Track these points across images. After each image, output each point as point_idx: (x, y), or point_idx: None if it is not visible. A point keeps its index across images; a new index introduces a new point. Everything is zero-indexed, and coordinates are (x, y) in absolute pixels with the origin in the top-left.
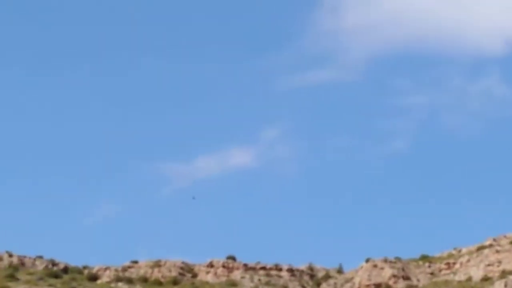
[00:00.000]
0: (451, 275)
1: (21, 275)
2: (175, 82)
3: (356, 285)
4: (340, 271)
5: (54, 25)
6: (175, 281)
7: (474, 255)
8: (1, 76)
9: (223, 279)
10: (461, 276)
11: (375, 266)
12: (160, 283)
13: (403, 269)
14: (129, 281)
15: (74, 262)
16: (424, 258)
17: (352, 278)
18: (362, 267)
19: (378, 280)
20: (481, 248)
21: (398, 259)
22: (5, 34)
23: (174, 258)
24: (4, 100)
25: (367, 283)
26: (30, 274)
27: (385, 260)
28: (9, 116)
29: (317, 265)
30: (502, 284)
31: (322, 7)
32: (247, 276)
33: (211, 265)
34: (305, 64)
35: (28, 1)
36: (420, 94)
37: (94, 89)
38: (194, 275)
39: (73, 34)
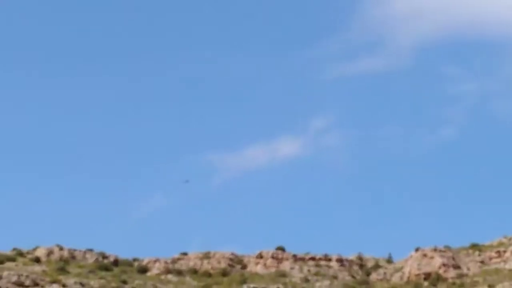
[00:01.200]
0: (502, 264)
1: (71, 268)
2: (224, 73)
3: (406, 274)
4: (389, 260)
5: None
6: (224, 273)
7: None
8: (54, 73)
9: (273, 270)
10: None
11: (424, 255)
12: (209, 275)
13: (453, 258)
14: (179, 273)
15: (124, 254)
16: (474, 246)
17: (401, 268)
18: (411, 256)
19: (427, 269)
20: None
21: (447, 248)
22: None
23: (224, 250)
24: (61, 97)
25: (417, 272)
26: (81, 267)
27: (435, 249)
28: (62, 113)
29: (367, 255)
30: None
31: None
32: (297, 266)
33: (260, 256)
34: (354, 52)
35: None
36: (471, 81)
37: (146, 83)
38: (244, 267)
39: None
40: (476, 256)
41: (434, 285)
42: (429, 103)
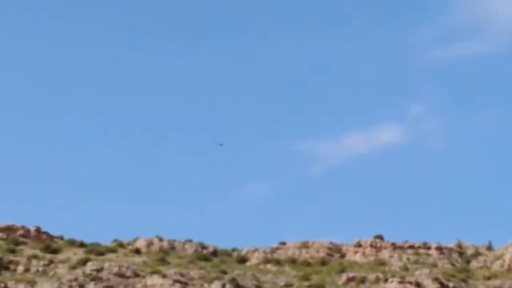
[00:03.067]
0: None
1: (171, 259)
2: (322, 60)
3: (507, 262)
4: (489, 248)
5: None
6: (323, 262)
7: None
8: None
9: (371, 258)
10: None
11: None
12: (308, 264)
13: None
14: (278, 262)
15: (223, 244)
16: None
17: (502, 255)
18: None
19: None
20: None
21: None
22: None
23: (322, 239)
24: (145, 90)
25: None
26: (180, 257)
27: None
28: (148, 106)
29: (466, 243)
30: None
31: None
32: (395, 255)
33: (359, 245)
34: (452, 36)
35: None
36: None
37: (244, 71)
38: (342, 255)
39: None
40: None
41: None
42: None
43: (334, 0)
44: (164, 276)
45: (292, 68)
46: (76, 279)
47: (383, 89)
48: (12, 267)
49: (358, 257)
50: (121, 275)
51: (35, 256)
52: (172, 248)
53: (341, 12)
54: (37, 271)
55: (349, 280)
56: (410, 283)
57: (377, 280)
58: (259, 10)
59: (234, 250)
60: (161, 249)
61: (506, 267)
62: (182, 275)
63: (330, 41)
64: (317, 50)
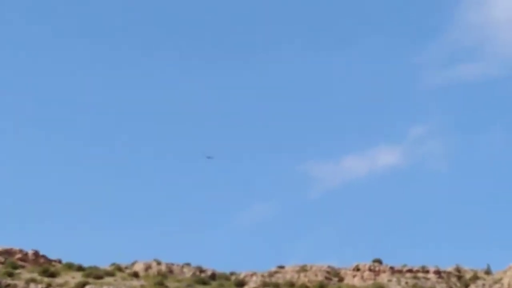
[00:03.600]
0: None
1: (169, 283)
2: (323, 80)
3: (505, 286)
4: (488, 272)
5: None
6: (321, 286)
7: None
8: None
9: (370, 282)
10: None
11: None
12: None
13: None
14: (276, 286)
15: (221, 268)
16: None
17: (500, 279)
18: (510, 267)
19: None
20: None
21: None
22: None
23: (320, 263)
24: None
25: None
26: (178, 281)
27: None
28: (149, 128)
29: (465, 266)
30: None
31: None
32: (394, 279)
33: (357, 268)
34: (453, 59)
35: None
36: None
37: (242, 87)
38: (341, 279)
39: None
40: None
41: None
42: None
43: (337, 21)
44: None
45: (292, 88)
46: None
47: (383, 110)
48: None
49: (356, 281)
50: None
51: (33, 280)
52: (170, 271)
53: (342, 33)
54: None
55: None
56: None
57: None
58: (262, 30)
59: (232, 274)
60: (159, 273)
61: None
62: None
63: (333, 61)
64: (319, 70)
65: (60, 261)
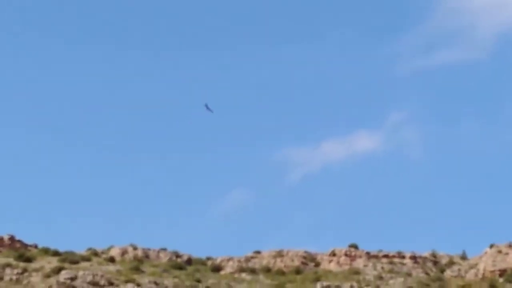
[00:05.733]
0: None
1: (145, 267)
2: (302, 67)
3: (481, 271)
4: (464, 257)
5: None
6: (297, 271)
7: None
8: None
9: (346, 267)
10: None
11: (499, 251)
12: (283, 273)
13: None
14: (252, 271)
15: (198, 253)
16: None
17: (476, 265)
18: (486, 253)
19: (503, 265)
20: None
21: None
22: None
23: (297, 248)
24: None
25: (492, 269)
26: (155, 266)
27: (510, 245)
28: (130, 110)
29: (441, 252)
30: None
31: None
32: (370, 264)
33: (333, 253)
34: (432, 44)
35: None
36: None
37: (223, 78)
38: (317, 264)
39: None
40: None
41: (510, 281)
42: (508, 97)
43: (314, 11)
44: (138, 285)
45: (270, 76)
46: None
47: (362, 97)
48: None
49: (332, 266)
50: (95, 283)
51: (8, 265)
52: (147, 256)
53: (321, 22)
54: (11, 279)
55: None
56: None
57: None
58: (237, 21)
59: (208, 259)
60: (135, 258)
61: (480, 276)
62: (156, 283)
63: (310, 49)
64: (297, 58)
65: (36, 246)
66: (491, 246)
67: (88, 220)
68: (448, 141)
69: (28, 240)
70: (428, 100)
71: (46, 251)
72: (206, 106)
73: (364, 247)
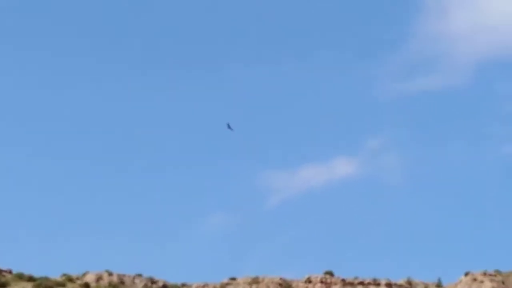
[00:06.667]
0: None
1: None
2: (278, 89)
3: None
4: (439, 285)
5: None
6: None
7: None
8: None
9: None
10: None
11: (474, 279)
12: None
13: (503, 282)
14: None
15: (173, 279)
16: None
17: None
18: (461, 281)
19: None
20: None
21: (497, 272)
22: None
23: (273, 274)
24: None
25: None
26: None
27: (485, 273)
28: (101, 136)
29: (416, 279)
30: None
31: (428, 11)
32: None
33: (309, 280)
34: (410, 70)
35: None
36: None
37: (199, 98)
38: None
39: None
40: None
41: None
42: (488, 121)
43: (294, 33)
44: None
45: (248, 100)
46: None
47: (340, 122)
48: None
49: None
50: None
51: None
52: (122, 282)
53: (301, 44)
54: None
55: None
56: None
57: None
58: (217, 41)
59: (183, 285)
60: (111, 284)
61: None
62: None
63: (289, 73)
64: (276, 82)
65: (10, 272)
66: (466, 274)
67: (63, 245)
68: (426, 166)
69: (2, 265)
70: (406, 126)
71: (20, 276)
72: (228, 125)
73: (339, 274)
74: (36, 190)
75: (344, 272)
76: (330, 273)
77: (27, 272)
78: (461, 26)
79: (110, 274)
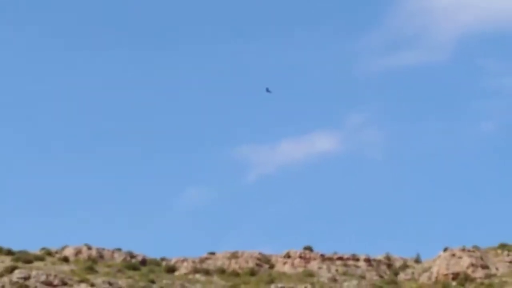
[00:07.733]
0: None
1: (99, 268)
2: (261, 66)
3: (434, 274)
4: (417, 260)
5: None
6: (252, 272)
7: None
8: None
9: (300, 269)
10: None
11: (453, 255)
12: (237, 274)
13: (481, 258)
14: (207, 272)
15: (152, 254)
16: (503, 246)
17: (430, 268)
18: (440, 256)
19: (456, 269)
20: None
21: (476, 247)
22: None
23: (251, 249)
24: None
25: (445, 272)
26: (109, 266)
27: (463, 249)
28: (81, 110)
29: (395, 255)
30: None
31: None
32: (324, 266)
33: (288, 255)
34: (393, 45)
35: None
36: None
37: (181, 74)
38: (271, 266)
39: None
40: (505, 256)
41: (462, 285)
42: (469, 97)
43: (276, 8)
44: (92, 285)
45: (229, 74)
46: (3, 287)
47: (321, 96)
48: None
49: (287, 268)
50: (48, 283)
51: None
52: (101, 256)
53: (281, 21)
54: None
55: None
56: None
57: None
58: (198, 15)
59: (163, 259)
60: (90, 258)
61: (433, 279)
62: (110, 284)
63: (271, 47)
64: (257, 56)
65: None
66: (445, 249)
67: (42, 220)
68: (409, 142)
69: None
70: (388, 102)
71: None
72: (267, 89)
73: (318, 249)
74: (14, 164)
75: (324, 247)
76: (309, 248)
77: (5, 246)
78: (443, 2)
79: (89, 248)
